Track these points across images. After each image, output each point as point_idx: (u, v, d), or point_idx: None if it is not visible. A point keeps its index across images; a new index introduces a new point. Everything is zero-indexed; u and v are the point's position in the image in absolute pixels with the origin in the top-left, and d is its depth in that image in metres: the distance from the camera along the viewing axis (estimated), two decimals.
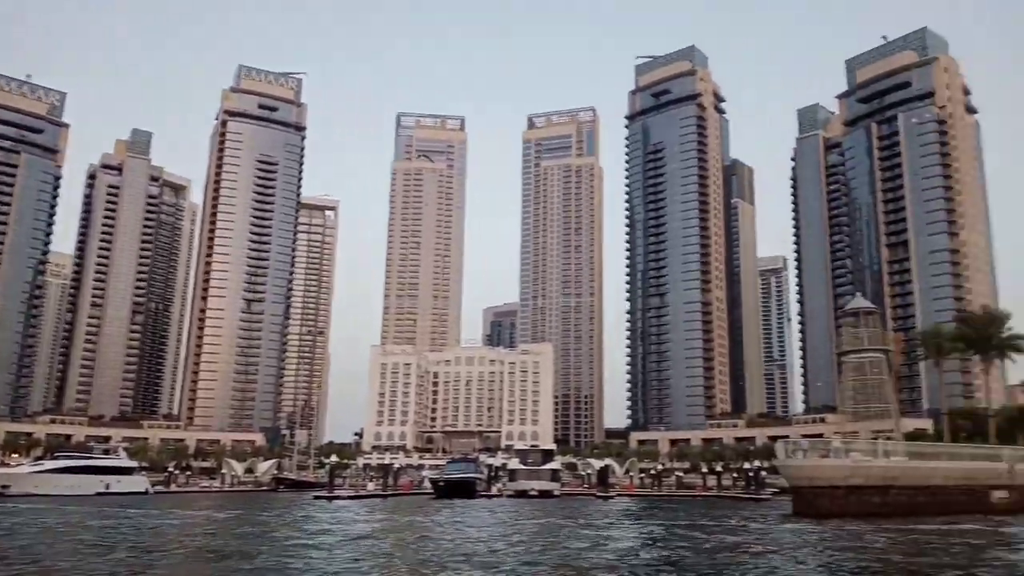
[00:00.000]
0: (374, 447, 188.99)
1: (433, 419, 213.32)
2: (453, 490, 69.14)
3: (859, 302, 56.82)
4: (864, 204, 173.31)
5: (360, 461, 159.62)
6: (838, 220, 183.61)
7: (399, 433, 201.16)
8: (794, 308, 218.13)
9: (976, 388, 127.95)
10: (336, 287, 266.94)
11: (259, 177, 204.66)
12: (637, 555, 20.15)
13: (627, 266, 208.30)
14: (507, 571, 15.50)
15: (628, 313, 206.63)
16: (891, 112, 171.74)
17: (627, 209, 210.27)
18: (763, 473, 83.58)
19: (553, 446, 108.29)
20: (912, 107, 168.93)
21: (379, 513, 43.96)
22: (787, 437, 52.45)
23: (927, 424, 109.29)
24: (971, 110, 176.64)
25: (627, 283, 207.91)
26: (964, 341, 53.62)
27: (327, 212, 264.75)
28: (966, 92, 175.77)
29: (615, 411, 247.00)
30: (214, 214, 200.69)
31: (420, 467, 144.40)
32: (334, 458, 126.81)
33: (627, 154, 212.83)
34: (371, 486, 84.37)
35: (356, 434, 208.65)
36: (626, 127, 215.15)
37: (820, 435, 56.18)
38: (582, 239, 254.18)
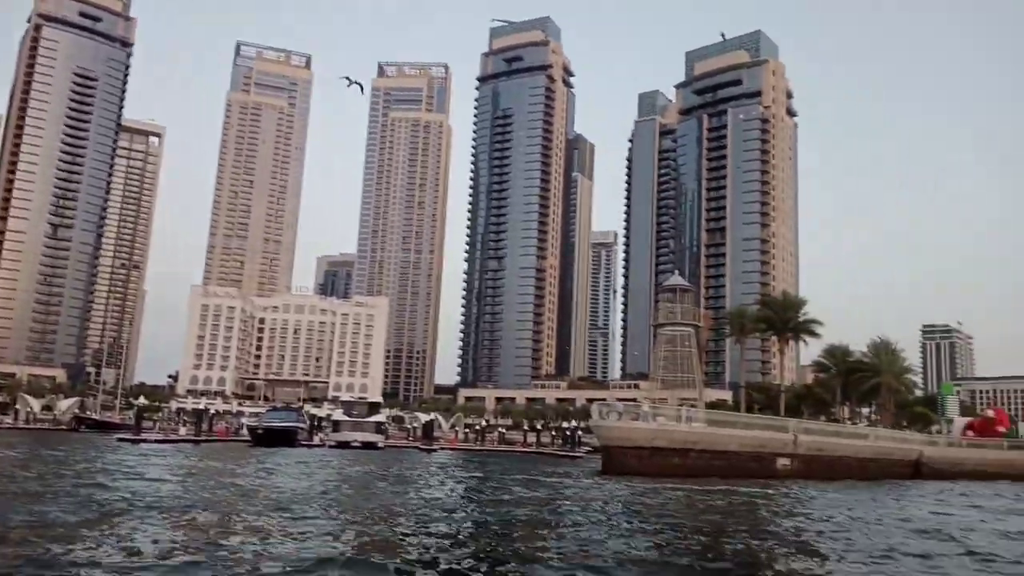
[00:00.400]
0: (189, 391, 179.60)
1: (256, 366, 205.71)
2: (271, 438, 67.49)
3: (676, 280, 61.16)
4: (690, 190, 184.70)
5: (174, 404, 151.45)
6: (666, 203, 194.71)
7: (218, 378, 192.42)
8: (620, 281, 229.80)
9: (772, 366, 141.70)
10: (157, 220, 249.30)
11: (75, 92, 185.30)
12: (450, 502, 20.85)
13: (468, 227, 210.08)
14: (302, 516, 15.58)
15: (465, 273, 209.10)
16: (722, 106, 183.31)
17: (472, 171, 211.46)
18: (579, 433, 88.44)
19: (380, 399, 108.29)
20: (740, 104, 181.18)
21: (187, 458, 42.26)
22: (604, 400, 55.67)
23: (728, 396, 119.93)
24: (791, 112, 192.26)
25: (467, 244, 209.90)
26: (765, 322, 59.36)
27: (151, 138, 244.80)
28: (788, 95, 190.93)
29: (447, 368, 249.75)
30: (20, 127, 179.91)
31: (239, 414, 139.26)
32: (143, 400, 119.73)
33: (476, 116, 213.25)
34: (183, 431, 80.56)
35: (171, 376, 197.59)
36: (477, 88, 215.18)
37: (634, 400, 60.04)
38: (426, 196, 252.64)
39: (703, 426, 47.08)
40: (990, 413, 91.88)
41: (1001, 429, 76.83)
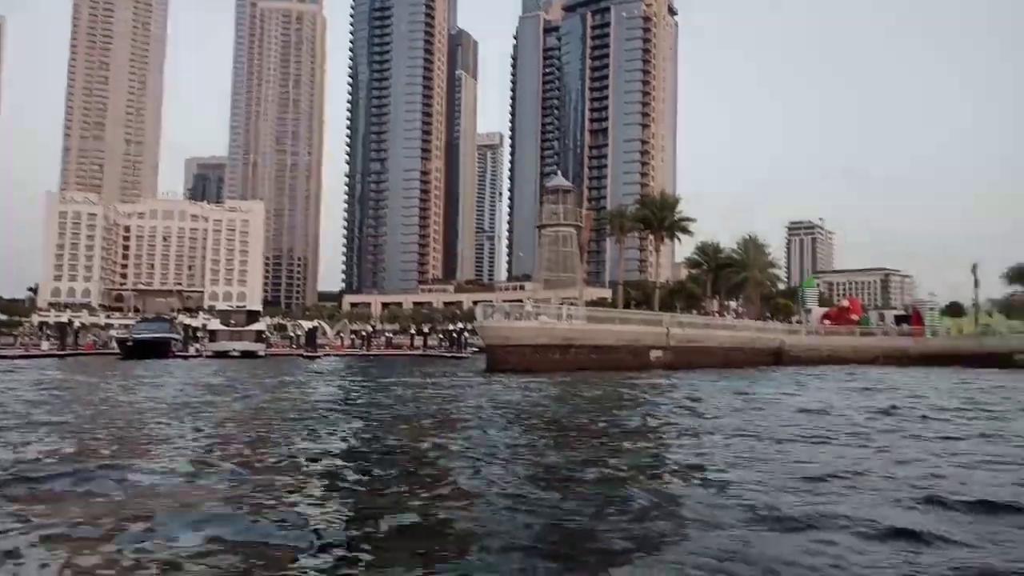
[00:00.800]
0: (52, 304, 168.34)
1: (124, 276, 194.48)
2: (143, 350, 64.38)
3: (559, 181, 61.66)
4: (574, 89, 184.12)
5: (35, 319, 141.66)
6: (550, 102, 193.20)
7: (82, 290, 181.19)
8: (506, 184, 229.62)
9: (650, 264, 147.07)
10: (2, 119, 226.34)
11: None
12: (331, 403, 20.56)
13: (348, 128, 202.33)
14: (180, 422, 14.89)
15: (347, 176, 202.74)
16: (605, 3, 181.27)
17: (350, 68, 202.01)
18: (466, 334, 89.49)
19: (259, 307, 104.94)
20: (623, 1, 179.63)
21: (47, 374, 39.72)
22: (491, 302, 56.12)
23: (608, 293, 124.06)
24: (672, 11, 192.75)
25: (347, 145, 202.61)
26: (643, 221, 60.91)
27: None
28: None
29: (331, 275, 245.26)
30: None
31: (108, 327, 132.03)
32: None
33: (352, 8, 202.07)
34: (46, 345, 75.54)
35: (30, 289, 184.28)
36: None
37: (519, 301, 60.78)
38: (301, 94, 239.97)
39: (583, 323, 48.42)
40: (845, 303, 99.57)
41: (854, 317, 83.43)
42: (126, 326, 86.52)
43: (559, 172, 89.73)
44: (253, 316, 78.80)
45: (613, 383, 30.68)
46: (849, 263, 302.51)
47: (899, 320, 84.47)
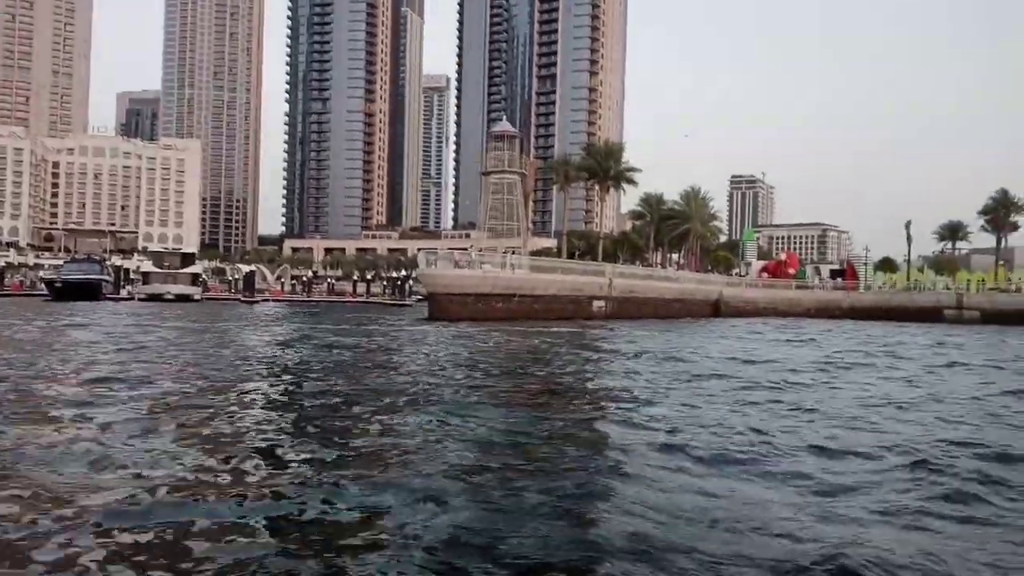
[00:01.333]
0: None
1: (53, 215, 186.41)
2: (72, 292, 62.16)
3: (504, 126, 60.60)
4: (523, 33, 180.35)
5: None
6: (498, 46, 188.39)
7: (9, 228, 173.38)
8: (452, 129, 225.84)
9: (596, 214, 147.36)
10: None
11: None
12: (268, 350, 20.00)
13: (288, 64, 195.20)
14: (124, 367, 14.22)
15: (287, 115, 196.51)
16: None
17: (290, 1, 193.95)
18: (410, 282, 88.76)
19: (194, 250, 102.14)
20: None
21: None
22: (435, 249, 55.45)
23: (554, 243, 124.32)
24: None
25: (287, 83, 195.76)
26: (587, 171, 60.53)
27: None
28: None
29: (272, 218, 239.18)
30: None
31: (37, 267, 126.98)
32: None
33: None
34: None
35: None
36: None
37: (464, 249, 60.25)
38: (239, 26, 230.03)
39: (526, 272, 48.31)
40: (783, 257, 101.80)
41: (791, 271, 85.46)
42: (56, 267, 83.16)
43: (504, 118, 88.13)
44: (188, 259, 76.58)
45: (554, 331, 30.70)
46: (789, 219, 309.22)
47: (834, 274, 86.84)
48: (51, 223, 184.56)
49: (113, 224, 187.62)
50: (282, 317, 47.41)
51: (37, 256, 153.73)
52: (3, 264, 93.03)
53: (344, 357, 19.50)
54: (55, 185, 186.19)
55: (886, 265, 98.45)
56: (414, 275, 78.59)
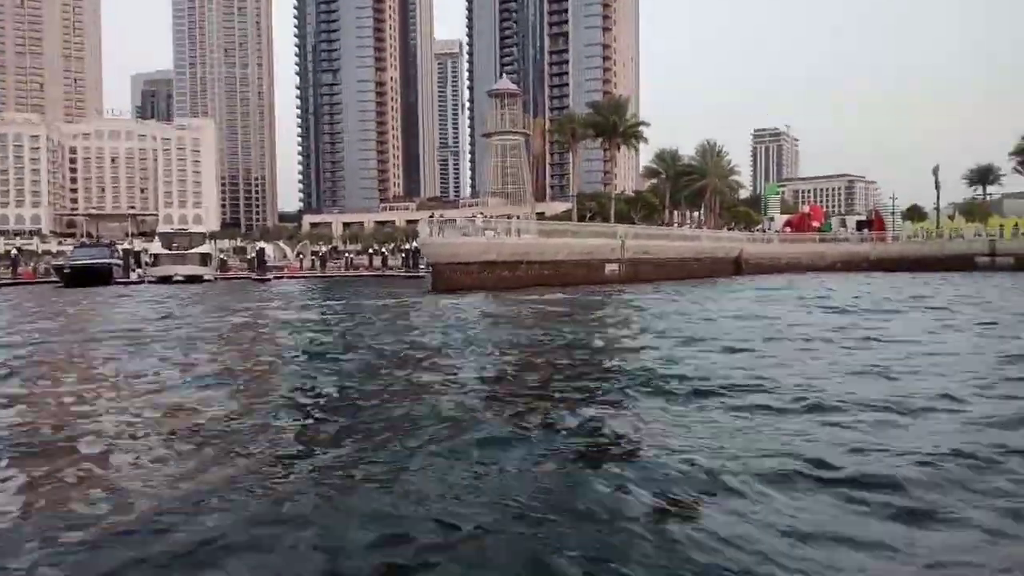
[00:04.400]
0: (0, 232, 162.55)
1: (74, 201, 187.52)
2: (82, 277, 61.40)
3: (504, 83, 57.93)
4: None
5: None
6: (508, 6, 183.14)
7: (31, 216, 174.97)
8: (467, 95, 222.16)
9: (615, 175, 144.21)
10: None
11: None
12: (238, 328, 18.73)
13: (296, 36, 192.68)
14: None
15: (298, 88, 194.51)
16: None
17: None
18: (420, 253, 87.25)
19: (209, 228, 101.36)
20: None
21: None
22: (432, 217, 53.57)
23: (571, 207, 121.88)
24: None
25: (296, 56, 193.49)
26: (594, 127, 58.00)
27: None
28: None
29: (291, 194, 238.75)
30: None
31: (60, 254, 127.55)
32: None
33: None
34: None
35: None
36: None
37: (472, 217, 58.42)
38: (247, 1, 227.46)
39: (533, 237, 46.48)
40: (806, 210, 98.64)
41: (815, 224, 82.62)
42: (66, 253, 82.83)
43: (503, 76, 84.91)
44: (198, 238, 75.53)
45: (562, 299, 28.95)
46: (816, 171, 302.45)
47: (860, 226, 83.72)
48: (72, 209, 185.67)
49: (133, 207, 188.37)
50: (282, 294, 46.15)
51: (60, 243, 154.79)
52: (14, 252, 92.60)
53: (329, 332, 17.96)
54: (73, 171, 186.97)
55: (914, 214, 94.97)
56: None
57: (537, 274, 44.61)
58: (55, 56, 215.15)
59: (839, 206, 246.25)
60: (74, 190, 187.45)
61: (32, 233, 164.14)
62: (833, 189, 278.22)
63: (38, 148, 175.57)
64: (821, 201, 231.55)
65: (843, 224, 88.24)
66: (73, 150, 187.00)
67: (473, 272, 41.65)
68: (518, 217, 53.77)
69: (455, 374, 11.47)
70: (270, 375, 12.25)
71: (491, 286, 40.57)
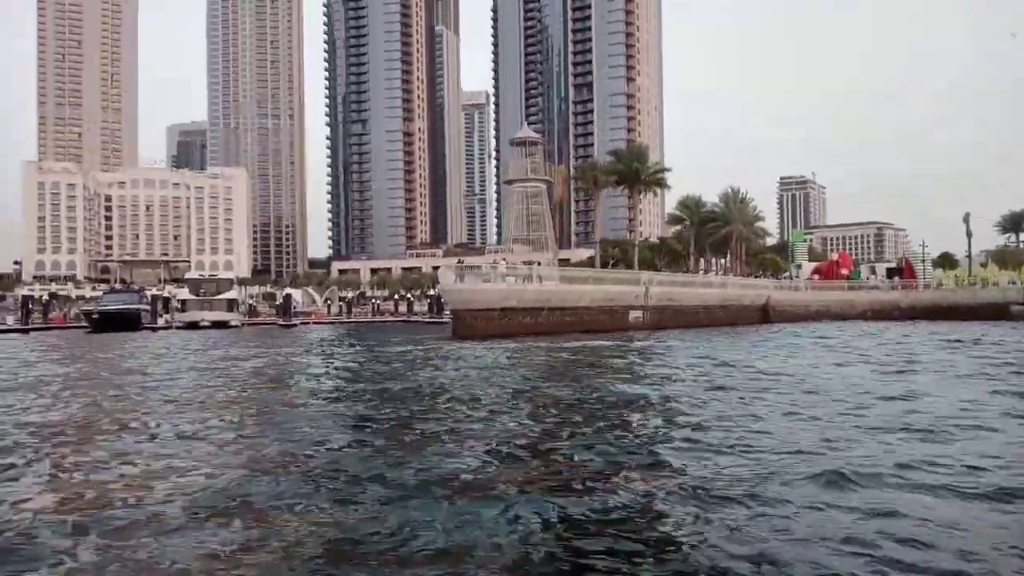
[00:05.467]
0: (36, 278, 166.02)
1: (108, 247, 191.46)
2: (110, 322, 62.23)
3: (526, 132, 58.37)
4: (557, 43, 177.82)
5: (20, 292, 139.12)
6: (533, 58, 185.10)
7: (67, 262, 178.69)
8: (493, 144, 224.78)
9: (640, 222, 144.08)
10: None
11: None
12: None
13: (327, 89, 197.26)
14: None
15: (328, 139, 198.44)
16: None
17: (326, 25, 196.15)
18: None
19: (239, 275, 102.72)
20: None
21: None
22: (458, 265, 53.54)
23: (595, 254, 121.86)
24: None
25: (327, 108, 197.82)
26: (616, 174, 58.08)
27: None
28: None
29: (321, 241, 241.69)
30: None
31: (92, 299, 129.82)
32: None
33: None
34: (11, 320, 73.36)
35: (16, 263, 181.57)
36: None
37: (494, 264, 58.30)
38: (279, 53, 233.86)
39: (555, 284, 46.20)
40: (835, 257, 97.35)
41: (844, 272, 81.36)
42: (96, 299, 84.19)
43: (525, 125, 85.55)
44: (225, 284, 76.47)
45: (589, 347, 28.50)
46: (843, 218, 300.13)
47: (891, 273, 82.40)
48: (106, 255, 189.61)
49: (166, 254, 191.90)
50: (302, 340, 46.18)
51: (93, 288, 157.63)
52: (44, 297, 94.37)
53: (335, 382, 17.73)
54: (108, 218, 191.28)
55: (945, 261, 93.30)
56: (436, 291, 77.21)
57: (559, 320, 44.17)
58: (94, 107, 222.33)
59: (868, 253, 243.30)
60: (109, 237, 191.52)
61: (67, 278, 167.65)
62: (862, 236, 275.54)
63: (75, 196, 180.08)
64: (849, 248, 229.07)
65: (873, 272, 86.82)
66: (108, 198, 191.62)
67: (494, 318, 41.33)
68: (538, 264, 53.56)
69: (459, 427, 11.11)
70: (254, 421, 12.00)
71: (512, 332, 40.20)
